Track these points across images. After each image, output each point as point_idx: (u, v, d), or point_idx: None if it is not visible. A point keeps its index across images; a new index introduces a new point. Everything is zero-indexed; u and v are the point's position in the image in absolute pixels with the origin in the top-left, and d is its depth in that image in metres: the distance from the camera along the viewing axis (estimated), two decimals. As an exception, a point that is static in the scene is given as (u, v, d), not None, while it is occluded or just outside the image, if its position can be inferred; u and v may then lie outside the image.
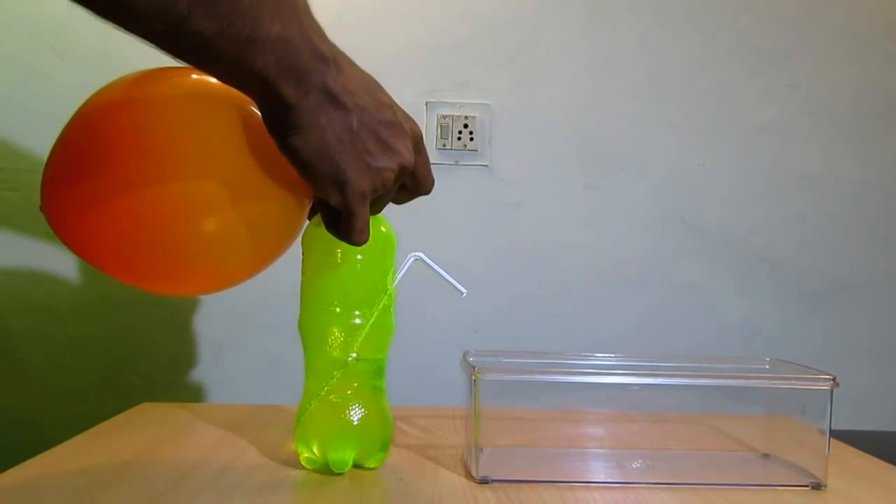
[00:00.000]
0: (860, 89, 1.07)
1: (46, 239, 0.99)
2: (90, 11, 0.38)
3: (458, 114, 1.03)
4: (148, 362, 1.01)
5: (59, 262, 0.99)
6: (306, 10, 0.45)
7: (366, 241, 0.54)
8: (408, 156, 0.53)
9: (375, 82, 0.53)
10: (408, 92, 1.02)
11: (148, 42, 0.40)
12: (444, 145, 1.03)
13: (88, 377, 1.00)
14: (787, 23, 1.06)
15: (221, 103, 0.52)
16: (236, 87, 0.46)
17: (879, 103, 1.07)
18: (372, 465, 0.61)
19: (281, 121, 0.47)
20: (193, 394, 1.02)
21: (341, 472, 0.59)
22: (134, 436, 0.70)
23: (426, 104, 1.03)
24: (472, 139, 1.03)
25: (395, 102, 0.54)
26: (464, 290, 0.62)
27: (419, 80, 1.03)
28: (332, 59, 0.47)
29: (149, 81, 0.52)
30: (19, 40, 0.98)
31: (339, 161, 0.49)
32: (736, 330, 1.07)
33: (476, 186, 1.04)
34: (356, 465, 0.61)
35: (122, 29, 0.39)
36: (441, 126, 1.02)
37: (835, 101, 1.07)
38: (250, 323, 1.01)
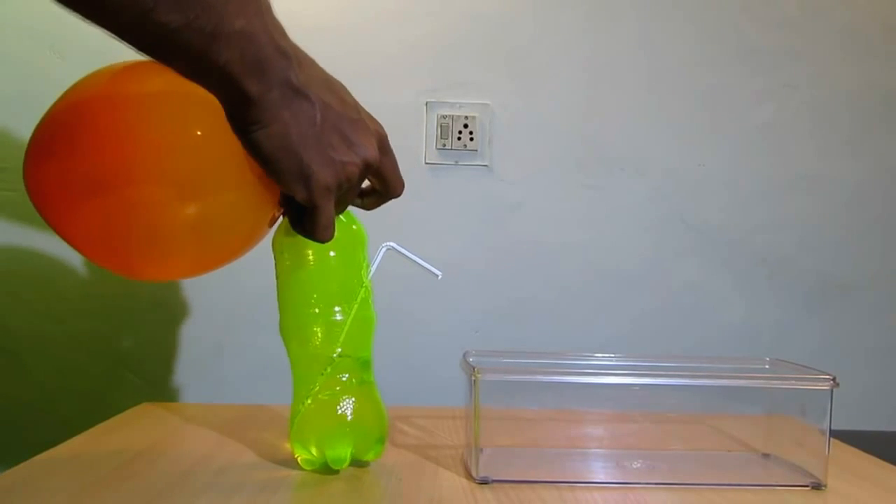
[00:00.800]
0: (859, 89, 1.07)
1: (47, 239, 0.99)
2: (55, 1, 0.37)
3: (458, 114, 1.03)
4: (148, 362, 1.01)
5: (59, 262, 0.99)
6: (268, 8, 0.46)
7: (331, 237, 0.54)
8: (372, 152, 0.53)
9: (338, 82, 0.53)
10: (408, 92, 1.02)
11: (111, 34, 0.40)
12: (444, 145, 1.03)
13: (88, 377, 1.00)
14: (787, 23, 1.06)
15: (200, 97, 0.53)
16: (198, 82, 0.46)
17: (879, 103, 1.07)
18: (370, 458, 0.61)
19: (244, 116, 0.47)
20: (193, 394, 1.02)
21: (339, 468, 0.59)
22: (134, 436, 0.70)
23: (426, 104, 1.03)
24: (472, 139, 1.03)
25: (358, 103, 0.54)
26: (438, 273, 0.62)
27: (419, 80, 1.03)
28: (293, 56, 0.47)
29: (135, 73, 0.55)
30: (19, 40, 0.98)
31: (303, 155, 0.49)
32: (736, 330, 1.07)
33: (476, 186, 1.04)
34: (355, 460, 0.61)
35: (86, 19, 0.39)
36: (441, 126, 1.02)
37: (834, 101, 1.07)
38: (250, 323, 1.01)
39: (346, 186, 0.53)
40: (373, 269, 0.62)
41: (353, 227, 0.61)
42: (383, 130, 0.57)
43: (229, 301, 1.01)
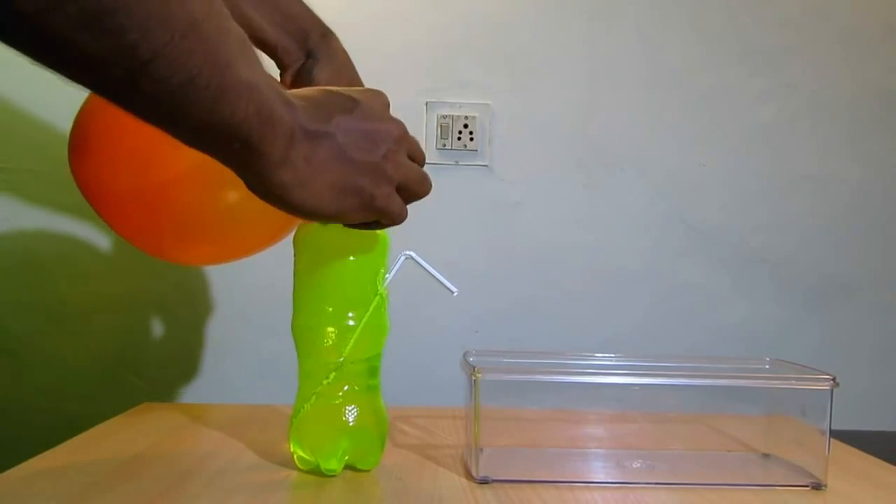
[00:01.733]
0: (859, 89, 1.07)
1: (46, 239, 0.99)
2: (27, 57, 0.32)
3: (458, 114, 1.03)
4: (148, 362, 1.01)
5: (60, 262, 0.99)
6: (256, 55, 0.41)
7: (406, 216, 0.53)
8: (393, 126, 0.50)
9: (325, 88, 0.50)
10: (408, 92, 1.02)
11: (102, 94, 0.35)
12: (444, 145, 1.03)
13: (88, 377, 1.00)
14: (787, 23, 1.06)
15: None
16: (209, 150, 0.40)
17: (879, 103, 1.07)
18: (367, 467, 0.61)
19: (276, 182, 0.43)
20: (193, 394, 1.02)
21: (332, 475, 0.59)
22: (134, 436, 0.70)
23: (426, 104, 1.03)
24: (472, 139, 1.03)
25: (345, 88, 0.51)
26: (454, 290, 0.61)
27: (419, 80, 1.03)
28: (294, 99, 0.44)
29: None
30: (19, 40, 0.98)
31: (356, 187, 0.46)
32: (736, 330, 1.07)
33: (476, 186, 1.04)
34: (349, 467, 0.60)
35: (68, 78, 0.33)
36: (441, 126, 1.02)
37: (834, 102, 1.07)
38: (250, 323, 1.01)
39: (399, 175, 0.50)
40: (389, 276, 0.61)
41: (377, 231, 0.61)
42: (380, 93, 0.53)
43: (230, 301, 1.01)
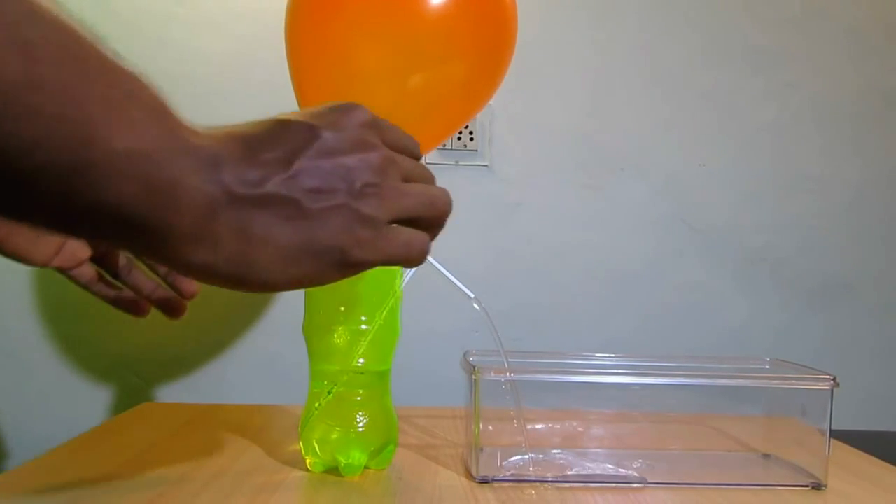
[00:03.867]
0: (860, 89, 1.07)
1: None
2: None
3: (458, 114, 1.03)
4: (148, 362, 1.01)
5: (60, 262, 0.99)
6: (167, 106, 0.31)
7: (421, 246, 0.40)
8: (375, 155, 0.37)
9: (278, 118, 0.37)
10: (408, 92, 1.02)
11: None
12: (444, 145, 1.03)
13: (88, 377, 1.00)
14: (788, 23, 1.06)
15: None
16: (96, 238, 0.32)
17: (880, 103, 1.07)
18: (380, 467, 0.61)
19: (196, 263, 0.32)
20: (193, 394, 1.02)
21: (353, 476, 0.59)
22: (134, 436, 0.70)
23: (426, 104, 1.03)
24: (472, 139, 1.03)
25: (309, 111, 0.38)
26: (472, 294, 0.62)
27: (419, 80, 1.03)
28: (227, 147, 0.33)
29: None
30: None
31: (318, 248, 0.35)
32: (736, 330, 1.06)
33: (476, 186, 1.04)
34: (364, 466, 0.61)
35: None
36: (441, 126, 1.02)
37: (835, 101, 1.07)
38: (251, 324, 1.01)
39: (392, 208, 0.38)
40: (405, 280, 0.61)
41: None
42: (354, 108, 0.39)
43: (230, 301, 1.01)
